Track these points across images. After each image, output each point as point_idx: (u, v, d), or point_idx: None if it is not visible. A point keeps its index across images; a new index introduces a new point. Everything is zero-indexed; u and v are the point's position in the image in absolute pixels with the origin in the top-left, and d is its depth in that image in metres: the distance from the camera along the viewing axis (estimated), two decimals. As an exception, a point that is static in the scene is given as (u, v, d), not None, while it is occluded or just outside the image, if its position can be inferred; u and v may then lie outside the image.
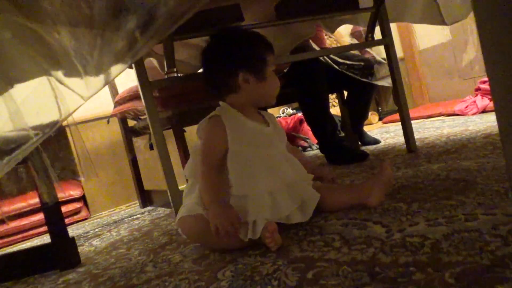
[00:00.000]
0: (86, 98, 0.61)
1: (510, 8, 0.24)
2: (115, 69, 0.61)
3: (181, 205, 1.18)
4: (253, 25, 1.60)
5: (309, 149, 2.52)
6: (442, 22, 1.75)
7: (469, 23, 3.03)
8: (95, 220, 1.84)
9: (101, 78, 0.61)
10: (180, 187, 1.24)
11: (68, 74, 0.60)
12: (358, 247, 0.75)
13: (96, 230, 1.59)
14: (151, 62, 1.59)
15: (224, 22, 1.37)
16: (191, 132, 2.28)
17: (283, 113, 2.87)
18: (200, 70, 1.73)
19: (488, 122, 1.93)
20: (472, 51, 3.10)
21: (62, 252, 1.09)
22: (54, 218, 1.08)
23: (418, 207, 0.88)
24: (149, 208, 1.80)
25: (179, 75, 1.51)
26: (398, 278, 0.59)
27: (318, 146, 2.24)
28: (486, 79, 2.68)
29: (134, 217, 1.66)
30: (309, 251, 0.79)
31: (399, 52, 3.57)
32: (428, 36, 3.46)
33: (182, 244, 1.06)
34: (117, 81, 1.91)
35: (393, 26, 3.44)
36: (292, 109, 2.87)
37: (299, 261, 0.75)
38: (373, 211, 0.94)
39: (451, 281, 0.54)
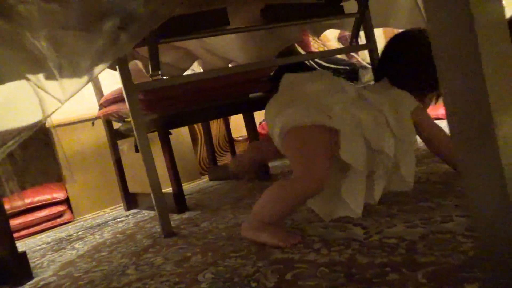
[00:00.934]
0: (63, 101, 0.60)
1: (461, 18, 0.25)
2: (91, 72, 0.61)
3: (165, 208, 1.18)
4: (239, 29, 1.61)
5: (295, 152, 2.54)
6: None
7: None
8: (79, 223, 1.82)
9: (77, 81, 0.61)
10: (164, 191, 1.23)
11: (45, 77, 0.59)
12: (337, 248, 0.76)
13: (79, 233, 1.58)
14: (137, 64, 1.59)
15: (210, 26, 1.38)
16: (178, 135, 2.28)
17: (270, 117, 2.89)
18: (187, 73, 1.74)
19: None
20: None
21: (11, 268, 1.06)
22: (1, 233, 1.05)
23: (398, 210, 0.90)
24: (134, 211, 1.79)
25: (165, 77, 1.51)
26: (373, 279, 0.60)
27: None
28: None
29: (119, 219, 1.65)
30: (290, 253, 0.80)
31: (385, 57, 3.61)
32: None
33: (165, 247, 1.06)
34: (103, 83, 1.90)
35: (379, 31, 3.49)
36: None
37: (279, 263, 0.76)
38: (353, 213, 0.95)
39: (423, 281, 0.56)
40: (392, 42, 1.14)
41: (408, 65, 1.05)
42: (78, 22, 0.57)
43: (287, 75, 1.01)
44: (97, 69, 0.63)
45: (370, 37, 1.64)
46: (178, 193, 1.51)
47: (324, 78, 0.99)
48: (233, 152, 2.32)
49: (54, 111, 0.61)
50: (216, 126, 2.70)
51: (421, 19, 1.76)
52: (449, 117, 0.30)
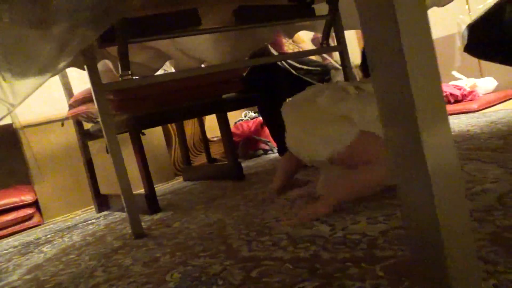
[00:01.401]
0: (15, 105, 0.59)
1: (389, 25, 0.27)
2: (41, 77, 0.60)
3: (135, 210, 1.17)
4: (211, 29, 1.62)
5: (270, 152, 2.56)
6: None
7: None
8: (48, 226, 1.78)
9: (28, 85, 0.59)
10: (137, 192, 1.23)
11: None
12: (303, 245, 0.78)
13: (48, 236, 1.54)
14: (107, 64, 1.57)
15: (181, 26, 1.38)
16: (151, 135, 2.26)
17: (245, 116, 2.89)
18: (159, 72, 1.73)
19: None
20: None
21: None
22: None
23: (363, 207, 0.93)
24: (105, 212, 1.76)
25: (135, 77, 1.50)
26: (334, 273, 0.62)
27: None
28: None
29: (89, 222, 1.62)
30: (257, 251, 0.81)
31: (358, 59, 3.69)
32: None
33: (135, 248, 1.06)
34: (73, 83, 1.87)
35: (352, 33, 3.54)
36: (254, 113, 2.90)
37: (247, 261, 0.77)
38: (321, 211, 0.97)
39: (381, 274, 0.58)
40: None
41: None
42: (24, 25, 0.56)
43: (287, 104, 1.05)
44: (56, 67, 0.62)
45: (341, 39, 1.68)
46: (150, 194, 1.50)
47: (324, 89, 1.00)
48: (207, 153, 2.31)
49: (4, 117, 0.60)
50: (191, 126, 2.69)
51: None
52: (383, 124, 0.32)
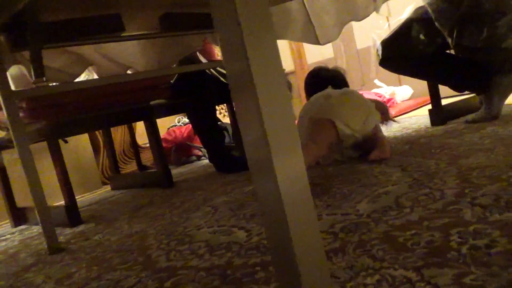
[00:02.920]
0: None
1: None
2: None
3: (50, 224, 1.11)
4: (136, 35, 1.59)
5: (203, 157, 2.56)
6: (317, 42, 1.94)
7: (348, 43, 3.40)
8: (-45, 245, 1.62)
9: None
10: (57, 203, 1.16)
11: None
12: (219, 253, 0.79)
13: (-47, 256, 1.40)
14: (22, 69, 1.47)
15: (103, 31, 1.34)
16: (77, 143, 2.15)
17: (178, 122, 2.86)
18: (79, 79, 1.66)
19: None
20: (347, 68, 3.47)
21: None
22: None
23: (280, 211, 0.97)
24: (22, 227, 1.65)
25: (53, 84, 1.43)
26: (243, 278, 0.65)
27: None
28: (361, 92, 3.03)
29: (2, 238, 1.51)
30: (175, 261, 0.81)
31: (291, 66, 3.83)
32: (315, 51, 3.78)
33: (49, 264, 1.00)
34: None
35: (284, 41, 3.66)
36: (188, 118, 2.88)
37: (163, 271, 0.77)
38: (241, 217, 1.00)
39: (284, 277, 0.62)
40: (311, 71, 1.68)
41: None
42: None
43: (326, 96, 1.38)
44: None
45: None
46: (71, 205, 1.43)
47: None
48: (138, 160, 2.26)
49: None
50: (120, 133, 2.60)
51: (314, 36, 1.92)
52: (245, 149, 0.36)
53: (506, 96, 1.55)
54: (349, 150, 1.36)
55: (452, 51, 1.65)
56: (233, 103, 0.36)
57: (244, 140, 0.35)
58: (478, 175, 0.89)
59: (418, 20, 1.63)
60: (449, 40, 1.53)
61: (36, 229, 1.51)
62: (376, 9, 1.72)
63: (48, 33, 1.17)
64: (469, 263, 0.53)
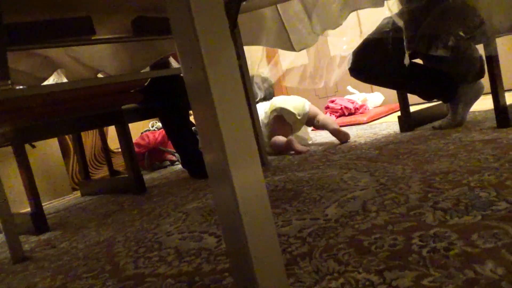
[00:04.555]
0: None
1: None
2: None
3: (13, 232, 1.07)
4: (108, 39, 1.57)
5: (177, 162, 2.53)
6: (292, 48, 1.97)
7: (322, 50, 3.46)
8: None
9: None
10: (23, 210, 1.12)
11: None
12: (188, 259, 0.79)
13: None
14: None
15: (72, 34, 1.31)
16: (45, 148, 2.08)
17: (152, 127, 2.82)
18: (46, 83, 1.61)
19: (332, 137, 2.20)
20: (324, 74, 3.53)
21: None
22: None
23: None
24: (-15, 235, 1.58)
25: (22, 87, 1.38)
26: (211, 284, 0.65)
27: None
28: (334, 98, 3.09)
29: (-37, 247, 1.44)
30: (143, 268, 0.80)
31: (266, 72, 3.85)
32: (290, 57, 3.82)
33: (12, 274, 0.97)
34: None
35: (259, 47, 3.69)
36: (161, 123, 2.85)
37: (130, 279, 0.76)
38: (212, 222, 1.00)
39: (251, 282, 0.62)
40: None
41: None
42: None
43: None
44: None
45: (240, 54, 1.74)
46: (37, 212, 1.38)
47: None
48: (109, 165, 2.21)
49: None
50: (91, 137, 2.54)
51: (288, 41, 1.94)
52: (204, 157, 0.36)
53: (470, 105, 1.62)
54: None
55: (420, 61, 1.71)
56: (192, 112, 0.36)
57: (203, 148, 0.35)
58: (441, 180, 0.92)
59: (387, 31, 1.68)
60: (416, 50, 1.59)
61: (0, 237, 1.46)
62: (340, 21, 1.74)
63: (14, 35, 1.13)
64: (429, 266, 0.55)
